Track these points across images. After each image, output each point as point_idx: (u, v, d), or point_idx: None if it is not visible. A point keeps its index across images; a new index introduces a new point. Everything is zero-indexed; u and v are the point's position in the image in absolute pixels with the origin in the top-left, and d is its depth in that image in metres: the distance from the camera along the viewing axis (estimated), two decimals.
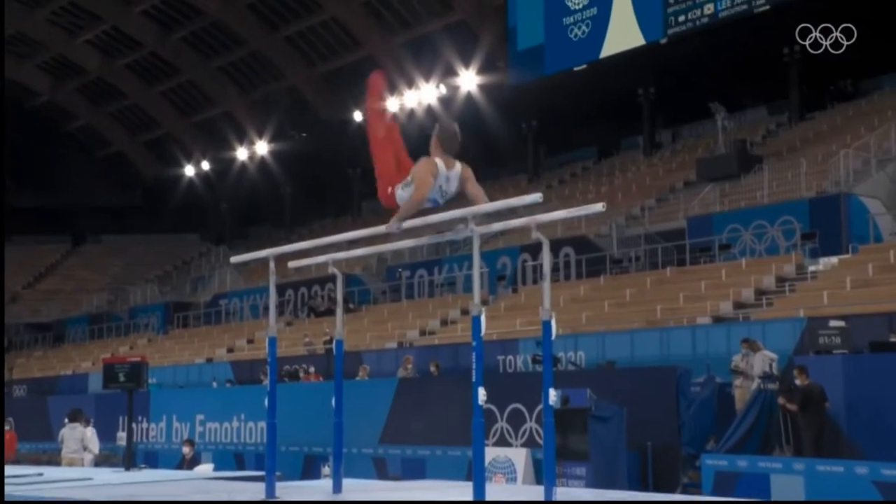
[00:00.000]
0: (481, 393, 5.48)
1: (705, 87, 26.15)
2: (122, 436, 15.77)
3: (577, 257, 22.50)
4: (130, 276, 40.81)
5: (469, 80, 30.22)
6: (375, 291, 27.79)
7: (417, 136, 7.35)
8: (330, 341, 18.62)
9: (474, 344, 5.57)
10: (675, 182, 25.83)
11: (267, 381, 7.15)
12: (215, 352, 26.57)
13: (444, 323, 22.18)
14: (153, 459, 18.48)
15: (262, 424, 15.99)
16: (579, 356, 16.63)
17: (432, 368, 17.24)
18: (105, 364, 12.97)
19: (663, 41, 25.49)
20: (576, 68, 27.28)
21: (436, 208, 6.14)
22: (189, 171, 40.52)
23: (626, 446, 12.61)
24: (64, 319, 38.17)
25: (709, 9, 24.57)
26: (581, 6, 27.07)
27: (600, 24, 26.51)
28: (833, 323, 12.92)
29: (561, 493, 6.30)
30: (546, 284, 6.06)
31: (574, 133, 31.44)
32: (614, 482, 12.12)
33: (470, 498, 5.59)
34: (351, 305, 25.27)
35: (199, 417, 18.87)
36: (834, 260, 17.64)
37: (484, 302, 18.77)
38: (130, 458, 11.58)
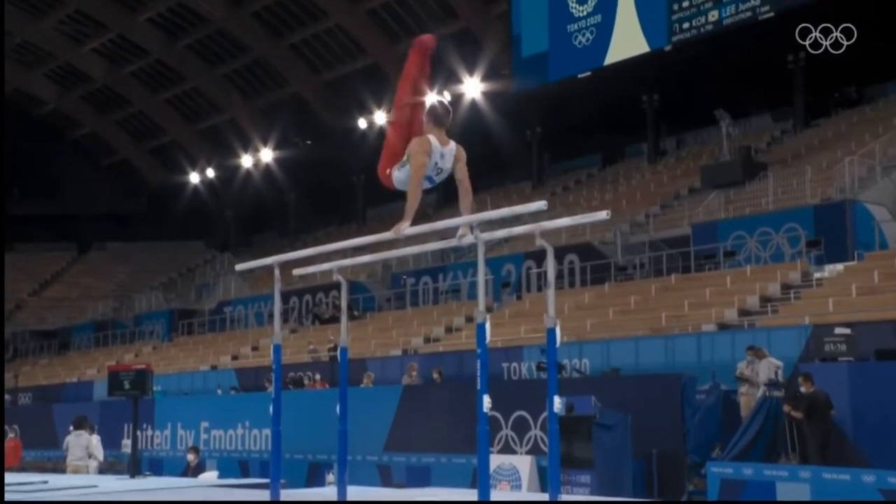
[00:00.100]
0: (486, 400, 5.48)
1: (710, 94, 26.09)
2: (127, 443, 15.78)
3: (581, 264, 22.47)
4: (135, 284, 40.83)
5: (473, 88, 30.21)
6: (380, 298, 27.77)
7: None
8: (334, 348, 18.58)
9: (479, 351, 5.58)
10: (680, 189, 25.81)
11: (271, 389, 7.16)
12: (220, 359, 26.58)
13: (448, 330, 22.15)
14: (158, 467, 18.49)
15: (267, 432, 15.95)
16: (584, 363, 16.57)
17: (435, 375, 17.22)
18: (110, 371, 13.03)
19: (667, 48, 25.43)
20: (580, 75, 27.24)
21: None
22: (194, 178, 40.50)
23: (631, 454, 12.57)
24: (69, 327, 38.17)
25: (713, 16, 24.54)
26: (585, 13, 27.06)
27: (604, 32, 26.48)
28: (838, 330, 12.86)
29: (566, 500, 6.29)
30: (550, 291, 6.07)
31: (578, 140, 31.41)
32: (619, 490, 12.10)
33: None
34: (355, 313, 25.26)
35: (204, 425, 18.85)
36: (839, 267, 17.58)
37: (488, 309, 18.77)
38: (135, 466, 11.61)
